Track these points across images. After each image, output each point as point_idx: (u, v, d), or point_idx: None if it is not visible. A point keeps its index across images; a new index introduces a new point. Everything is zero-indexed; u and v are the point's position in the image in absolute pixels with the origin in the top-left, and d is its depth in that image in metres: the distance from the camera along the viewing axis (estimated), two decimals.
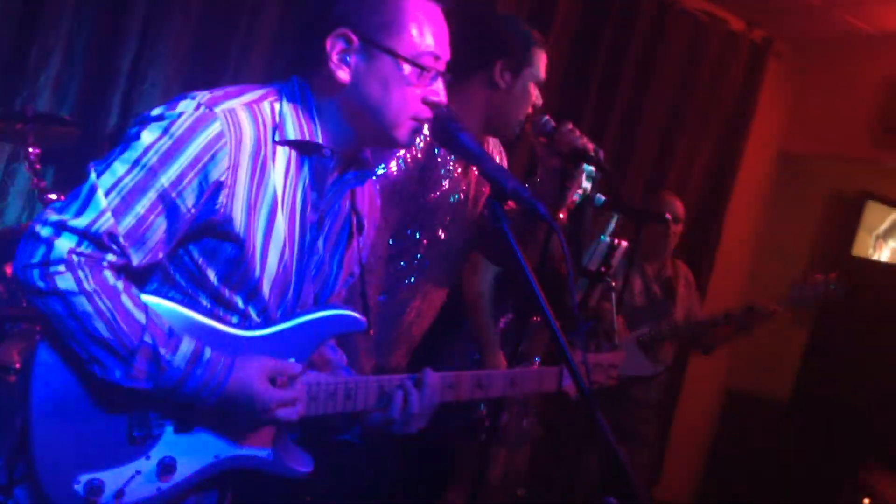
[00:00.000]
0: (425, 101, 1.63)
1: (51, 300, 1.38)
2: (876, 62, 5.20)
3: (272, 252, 1.59)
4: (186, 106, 1.48)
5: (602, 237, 2.97)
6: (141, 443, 1.52)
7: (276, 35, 3.77)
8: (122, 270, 1.46)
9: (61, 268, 1.38)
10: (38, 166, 3.00)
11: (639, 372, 4.05)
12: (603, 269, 2.72)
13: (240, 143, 1.50)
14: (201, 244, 1.54)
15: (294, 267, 1.65)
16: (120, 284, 1.43)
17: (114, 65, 3.44)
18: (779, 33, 5.38)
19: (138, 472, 1.52)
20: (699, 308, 4.31)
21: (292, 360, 1.64)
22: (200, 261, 1.55)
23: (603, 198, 2.64)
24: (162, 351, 1.44)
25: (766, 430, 5.51)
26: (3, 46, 3.26)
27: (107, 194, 1.41)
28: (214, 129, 1.47)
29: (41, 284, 1.38)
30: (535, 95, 2.47)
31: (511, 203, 1.66)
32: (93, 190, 1.41)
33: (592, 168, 2.45)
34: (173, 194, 1.45)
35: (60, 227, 1.39)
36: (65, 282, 1.38)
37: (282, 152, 1.58)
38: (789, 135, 5.77)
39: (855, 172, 5.81)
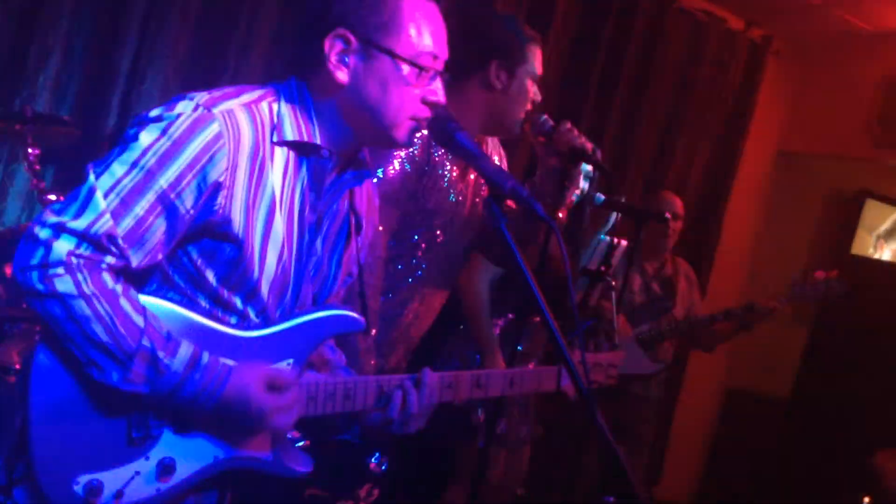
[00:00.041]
0: (424, 101, 1.63)
1: (49, 302, 1.38)
2: (875, 61, 5.20)
3: (271, 253, 1.59)
4: (184, 107, 1.48)
5: (602, 236, 2.97)
6: (140, 443, 1.52)
7: (275, 35, 3.77)
8: (121, 272, 1.46)
9: (60, 270, 1.37)
10: (37, 167, 3.00)
11: (639, 370, 4.06)
12: (603, 268, 2.73)
13: (238, 144, 1.50)
14: (200, 245, 1.54)
15: (292, 267, 1.65)
16: (119, 287, 1.43)
17: (113, 65, 3.44)
18: (778, 32, 5.38)
19: (137, 473, 1.52)
20: (700, 305, 4.31)
21: (291, 360, 1.64)
22: (199, 262, 1.55)
23: (602, 197, 2.64)
24: (160, 354, 1.44)
25: (767, 429, 5.51)
26: (2, 47, 3.26)
27: (105, 196, 1.41)
28: (213, 130, 1.47)
29: (40, 287, 1.38)
30: (534, 91, 2.46)
31: (511, 203, 1.66)
32: (91, 191, 1.41)
33: (589, 168, 2.45)
34: (172, 195, 1.45)
35: (59, 229, 1.39)
36: (64, 284, 1.37)
37: (280, 153, 1.58)
38: (788, 134, 5.78)
39: (854, 171, 5.81)
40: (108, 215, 1.40)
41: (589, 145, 2.43)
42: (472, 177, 2.55)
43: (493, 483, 3.29)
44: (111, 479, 1.49)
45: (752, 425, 5.65)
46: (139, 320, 1.43)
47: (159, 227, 1.46)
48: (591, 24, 4.67)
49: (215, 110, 1.48)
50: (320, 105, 1.62)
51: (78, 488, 1.46)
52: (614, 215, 2.80)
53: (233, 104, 1.52)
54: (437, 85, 1.64)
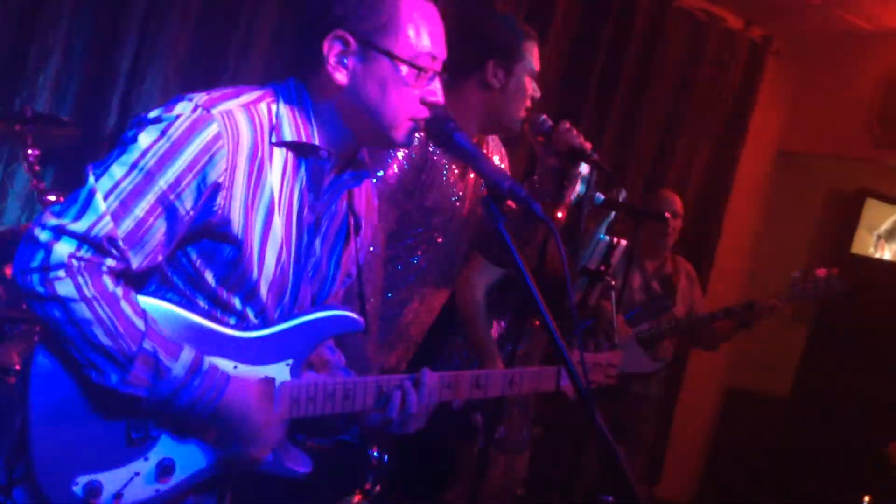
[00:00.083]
0: (423, 102, 1.63)
1: (49, 305, 1.38)
2: (875, 60, 5.20)
3: (269, 253, 1.60)
4: (183, 108, 1.48)
5: (601, 236, 2.97)
6: (139, 444, 1.52)
7: (275, 35, 3.77)
8: (121, 275, 1.46)
9: (61, 273, 1.37)
10: (37, 167, 3.00)
11: (638, 369, 4.06)
12: (602, 267, 2.73)
13: (237, 145, 1.50)
14: (199, 246, 1.54)
15: (291, 268, 1.65)
16: (119, 291, 1.43)
17: (113, 65, 3.44)
18: (777, 32, 5.38)
19: (137, 474, 1.52)
20: (701, 303, 4.31)
21: (290, 360, 1.64)
22: (198, 263, 1.55)
23: (602, 196, 2.64)
24: (162, 357, 1.44)
25: (767, 428, 5.51)
26: (2, 47, 3.26)
27: (105, 198, 1.41)
28: (212, 130, 1.47)
29: (40, 290, 1.37)
30: (533, 88, 2.46)
31: (510, 202, 1.67)
32: (91, 194, 1.41)
33: (586, 171, 2.45)
34: (172, 197, 1.45)
35: (59, 232, 1.39)
36: (64, 287, 1.37)
37: (279, 153, 1.58)
38: (788, 133, 5.78)
39: (854, 171, 5.81)
40: (108, 217, 1.40)
41: (588, 145, 2.43)
42: (471, 176, 2.55)
43: (492, 486, 3.29)
44: (110, 480, 1.49)
45: (752, 425, 5.65)
46: (140, 323, 1.43)
47: (159, 229, 1.46)
48: (590, 23, 4.67)
49: (214, 111, 1.48)
50: (319, 106, 1.62)
51: (77, 489, 1.46)
52: (612, 214, 2.80)
53: (231, 105, 1.52)
54: (436, 85, 1.64)
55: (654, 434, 4.46)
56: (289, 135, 1.58)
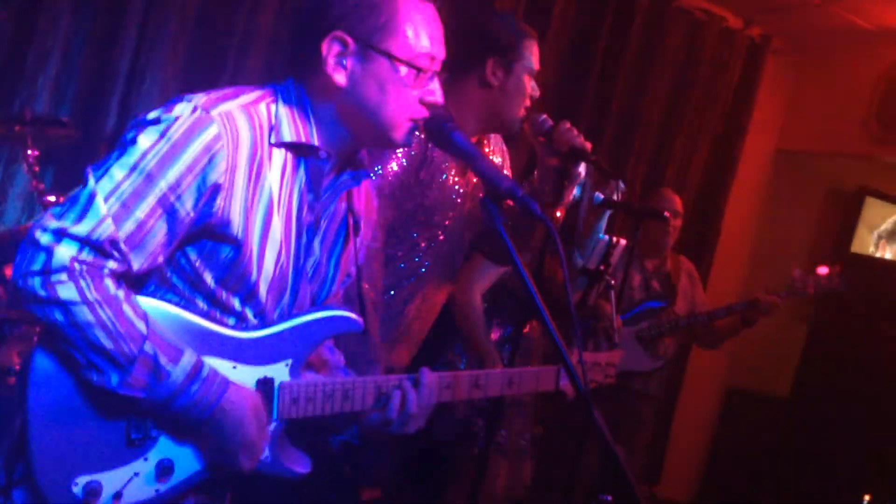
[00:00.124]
0: (422, 102, 1.63)
1: (51, 308, 1.38)
2: (874, 58, 5.20)
3: (269, 254, 1.60)
4: (183, 109, 1.47)
5: (601, 235, 2.97)
6: (139, 444, 1.52)
7: (273, 36, 3.77)
8: (122, 276, 1.46)
9: (63, 276, 1.37)
10: (36, 168, 3.01)
11: (638, 367, 4.07)
12: (602, 267, 2.73)
13: (237, 146, 1.50)
14: (198, 247, 1.54)
15: (291, 268, 1.66)
16: (121, 293, 1.43)
17: (112, 66, 3.45)
18: (776, 30, 5.38)
19: (136, 474, 1.52)
20: (704, 301, 4.32)
21: (289, 361, 1.64)
22: (197, 263, 1.55)
23: (601, 196, 2.64)
24: (162, 361, 1.44)
25: (767, 428, 5.52)
26: (1, 48, 3.27)
27: (106, 200, 1.41)
28: (211, 132, 1.47)
29: (42, 293, 1.37)
30: (532, 87, 2.46)
31: (509, 202, 1.67)
32: (92, 196, 1.41)
33: (582, 175, 2.45)
34: (172, 198, 1.45)
35: (61, 235, 1.38)
36: (67, 291, 1.37)
37: (278, 154, 1.58)
38: (788, 132, 5.78)
39: (853, 169, 5.82)
40: (109, 220, 1.40)
41: (588, 145, 2.44)
42: (472, 175, 2.55)
43: (496, 492, 3.29)
44: (110, 480, 1.50)
45: (752, 425, 5.66)
46: (141, 326, 1.43)
47: (160, 230, 1.46)
48: (589, 23, 4.67)
49: (213, 112, 1.48)
50: (318, 107, 1.62)
51: (77, 489, 1.46)
52: (607, 214, 2.81)
53: (231, 106, 1.52)
54: (435, 85, 1.64)
55: (654, 433, 4.46)
56: (288, 135, 1.58)
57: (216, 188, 1.48)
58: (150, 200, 1.43)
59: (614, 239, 2.79)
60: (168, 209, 1.45)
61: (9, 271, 2.87)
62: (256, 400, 1.58)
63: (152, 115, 1.48)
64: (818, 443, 5.08)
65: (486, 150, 2.62)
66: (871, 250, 5.95)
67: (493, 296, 3.26)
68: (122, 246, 1.42)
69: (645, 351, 4.08)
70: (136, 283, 1.53)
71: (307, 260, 1.70)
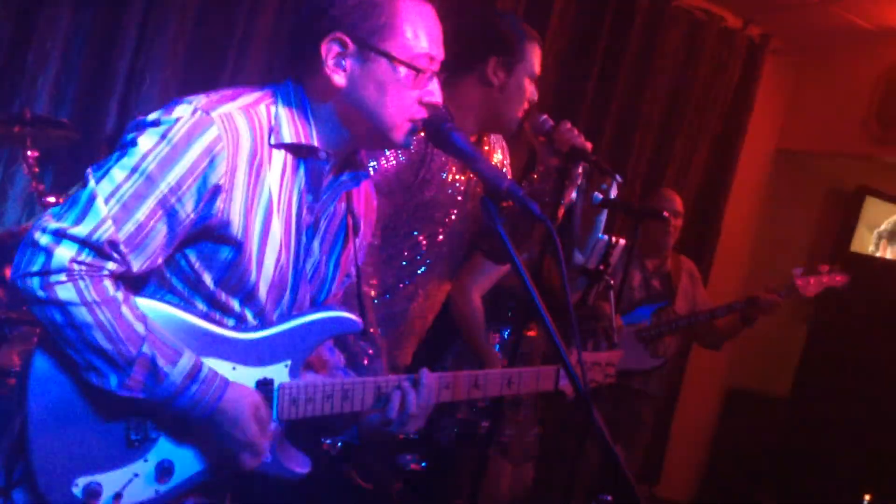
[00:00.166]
0: (421, 103, 1.63)
1: (50, 309, 1.38)
2: (873, 58, 5.20)
3: (269, 255, 1.60)
4: (183, 111, 1.47)
5: (600, 235, 2.98)
6: (138, 445, 1.53)
7: (273, 36, 3.77)
8: (121, 277, 1.46)
9: (62, 277, 1.37)
10: (36, 169, 3.01)
11: (638, 366, 4.07)
12: (601, 267, 2.73)
13: (237, 147, 1.50)
14: (198, 248, 1.54)
15: (290, 269, 1.66)
16: (120, 295, 1.43)
17: (111, 67, 3.45)
18: (776, 30, 5.39)
19: (136, 475, 1.53)
20: (705, 301, 4.32)
21: (289, 362, 1.65)
22: (197, 265, 1.55)
23: (600, 196, 2.64)
24: (161, 363, 1.44)
25: (767, 428, 5.52)
26: (1, 49, 3.27)
27: (106, 201, 1.41)
28: (212, 133, 1.47)
29: (41, 294, 1.37)
30: (531, 91, 2.46)
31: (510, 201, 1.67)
32: (92, 197, 1.41)
33: (580, 178, 2.45)
34: (172, 200, 1.45)
35: (60, 235, 1.38)
36: (66, 292, 1.37)
37: (277, 155, 1.58)
38: (787, 131, 5.78)
39: (853, 168, 5.82)
40: (109, 221, 1.40)
41: (589, 145, 2.44)
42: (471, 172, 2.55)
43: (499, 497, 3.29)
44: (110, 481, 1.50)
45: (752, 424, 5.66)
46: (140, 328, 1.43)
47: (160, 232, 1.46)
48: (589, 22, 4.67)
49: (214, 114, 1.48)
50: (317, 107, 1.62)
51: (77, 490, 1.47)
52: (605, 214, 2.81)
53: (231, 107, 1.52)
54: (434, 86, 1.64)
55: (654, 433, 4.46)
56: (288, 136, 1.58)
57: (216, 190, 1.48)
58: (151, 202, 1.43)
59: (614, 239, 2.79)
60: (168, 211, 1.45)
61: (9, 272, 2.86)
62: (257, 399, 1.58)
63: (152, 116, 1.48)
64: (818, 443, 5.08)
65: (486, 148, 2.62)
66: (870, 249, 5.95)
67: (492, 297, 3.26)
68: (122, 247, 1.42)
69: (645, 350, 4.08)
70: (136, 284, 1.53)
71: (307, 261, 1.71)
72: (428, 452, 2.73)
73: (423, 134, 1.72)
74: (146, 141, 1.45)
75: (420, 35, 1.59)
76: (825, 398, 5.14)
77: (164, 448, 1.55)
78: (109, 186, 1.41)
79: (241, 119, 1.52)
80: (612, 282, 2.72)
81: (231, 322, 1.61)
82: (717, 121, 5.33)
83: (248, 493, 1.82)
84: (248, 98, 1.57)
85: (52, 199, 2.99)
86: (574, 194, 2.48)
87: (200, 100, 1.50)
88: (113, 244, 1.41)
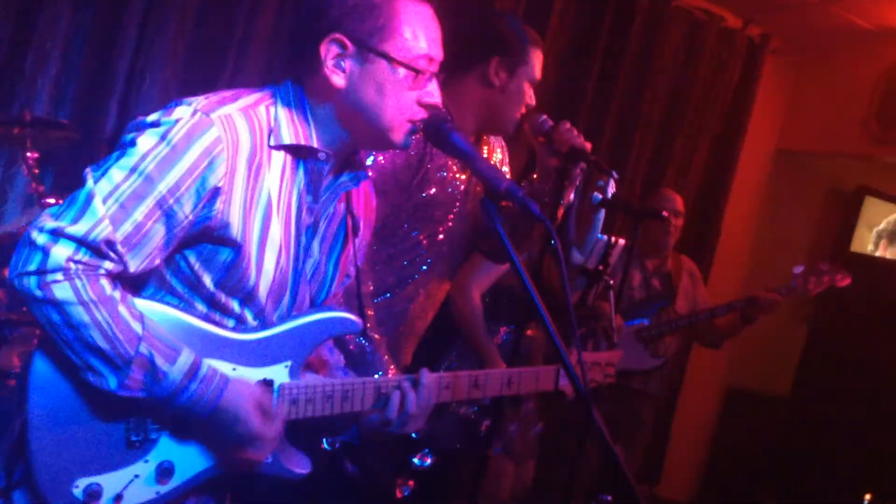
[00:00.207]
0: (420, 103, 1.63)
1: (47, 308, 1.38)
2: (873, 58, 5.20)
3: (268, 256, 1.60)
4: (183, 112, 1.48)
5: (599, 235, 2.98)
6: (139, 447, 1.53)
7: (273, 37, 3.77)
8: (119, 278, 1.46)
9: (59, 276, 1.37)
10: (36, 170, 3.01)
11: (639, 365, 4.07)
12: (601, 267, 2.73)
13: (236, 149, 1.51)
14: (198, 249, 1.54)
15: (290, 270, 1.66)
16: (117, 294, 1.43)
17: (111, 68, 3.45)
18: (776, 30, 5.39)
19: (137, 476, 1.53)
20: (706, 300, 4.32)
21: (289, 362, 1.65)
22: (197, 266, 1.55)
23: (600, 196, 2.65)
24: (159, 362, 1.44)
25: (767, 427, 5.52)
26: (0, 49, 3.27)
27: (104, 201, 1.41)
28: (211, 135, 1.47)
29: (38, 293, 1.37)
30: (529, 96, 2.46)
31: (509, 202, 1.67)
32: (90, 197, 1.41)
33: (578, 180, 2.46)
34: (171, 201, 1.45)
35: (57, 235, 1.38)
36: (62, 291, 1.37)
37: (277, 156, 1.59)
38: (787, 131, 5.78)
39: (853, 168, 5.82)
40: (106, 221, 1.40)
41: (588, 145, 2.44)
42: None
43: (502, 495, 3.30)
44: (110, 483, 1.50)
45: (752, 423, 5.66)
46: (137, 327, 1.43)
47: (158, 233, 1.46)
48: (589, 22, 4.67)
49: (213, 115, 1.49)
50: (317, 108, 1.62)
51: (77, 491, 1.47)
52: (602, 213, 2.81)
53: (230, 109, 1.52)
54: (433, 87, 1.65)
55: (654, 430, 4.46)
56: (287, 138, 1.58)
57: (215, 191, 1.49)
58: (149, 203, 1.43)
59: (613, 238, 2.79)
60: (166, 212, 1.45)
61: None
62: (258, 392, 1.57)
63: (152, 117, 1.48)
64: (818, 442, 5.08)
65: (485, 148, 2.62)
66: (869, 248, 5.96)
67: (492, 297, 3.26)
68: (119, 247, 1.42)
69: (645, 350, 4.08)
70: (136, 285, 1.53)
71: (306, 261, 1.71)
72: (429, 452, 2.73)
73: (421, 134, 1.72)
74: (145, 141, 1.45)
75: (419, 36, 1.59)
76: (825, 398, 5.14)
77: (164, 449, 1.55)
78: (108, 186, 1.41)
79: (241, 120, 1.52)
80: (611, 282, 2.72)
81: (231, 323, 1.61)
82: (717, 121, 5.33)
83: (248, 493, 1.83)
84: (248, 99, 1.57)
85: (52, 201, 2.99)
86: (572, 194, 2.49)
87: (200, 101, 1.50)
88: (110, 244, 1.41)
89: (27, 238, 1.39)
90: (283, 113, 1.59)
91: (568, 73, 4.65)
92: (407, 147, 1.71)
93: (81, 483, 1.47)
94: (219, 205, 1.50)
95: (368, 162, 2.24)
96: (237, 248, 1.54)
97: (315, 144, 1.62)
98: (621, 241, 3.37)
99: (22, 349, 2.87)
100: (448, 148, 1.71)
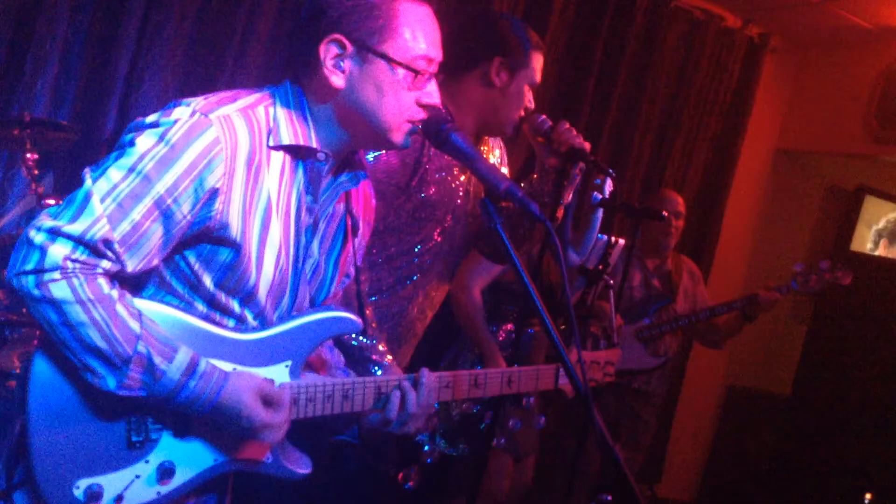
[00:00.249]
0: (419, 104, 1.63)
1: (45, 308, 1.38)
2: (873, 57, 5.20)
3: (268, 257, 1.60)
4: (181, 112, 1.48)
5: (599, 235, 2.98)
6: (140, 447, 1.53)
7: (272, 38, 3.77)
8: (117, 277, 1.46)
9: (56, 275, 1.37)
10: (35, 171, 3.01)
11: (639, 365, 4.07)
12: (600, 267, 2.73)
13: (235, 150, 1.51)
14: (197, 250, 1.54)
15: (290, 270, 1.66)
16: (115, 293, 1.43)
17: (110, 69, 3.45)
18: (775, 29, 5.39)
19: (137, 477, 1.53)
20: (707, 299, 4.32)
21: (289, 362, 1.65)
22: (196, 266, 1.55)
23: (600, 196, 2.65)
24: (157, 360, 1.44)
25: (768, 426, 5.52)
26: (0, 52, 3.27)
27: (102, 200, 1.41)
28: (210, 135, 1.47)
29: (36, 292, 1.38)
30: (529, 98, 2.47)
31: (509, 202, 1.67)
32: (88, 196, 1.41)
33: (577, 180, 2.46)
34: (169, 201, 1.45)
35: (55, 234, 1.38)
36: (59, 290, 1.37)
37: (276, 157, 1.59)
38: (787, 131, 5.78)
39: (853, 168, 5.82)
40: (104, 220, 1.40)
41: (587, 145, 2.44)
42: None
43: (499, 496, 3.30)
44: (111, 483, 1.50)
45: (752, 422, 5.66)
46: (135, 326, 1.43)
47: (155, 233, 1.46)
48: (588, 22, 4.68)
49: (212, 116, 1.49)
50: (316, 109, 1.62)
51: (78, 492, 1.47)
52: (600, 212, 2.81)
53: (229, 109, 1.52)
54: (433, 87, 1.65)
55: (655, 430, 4.46)
56: (286, 138, 1.58)
57: (214, 192, 1.49)
58: (147, 202, 1.43)
59: (613, 238, 2.79)
60: (164, 212, 1.45)
61: None
62: (257, 383, 1.56)
63: (151, 118, 1.48)
64: (818, 442, 5.08)
65: (485, 148, 2.62)
66: (868, 247, 5.96)
67: (493, 297, 3.27)
68: (116, 246, 1.42)
69: (646, 349, 4.08)
70: (136, 285, 1.53)
71: (306, 261, 1.71)
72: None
73: (418, 135, 1.72)
74: (144, 142, 1.45)
75: (418, 36, 1.59)
76: (825, 398, 5.14)
77: (165, 449, 1.55)
78: (106, 186, 1.42)
79: (240, 121, 1.52)
80: (611, 282, 2.72)
81: (231, 323, 1.61)
82: (717, 121, 5.33)
83: (248, 493, 1.83)
84: (247, 100, 1.57)
85: (51, 202, 2.99)
86: (571, 194, 2.49)
87: (199, 102, 1.51)
88: (107, 243, 1.41)
89: (25, 237, 1.39)
90: (282, 113, 1.59)
91: (568, 73, 4.65)
92: (406, 147, 1.71)
93: (82, 484, 1.47)
94: (218, 205, 1.50)
95: (369, 158, 2.24)
96: (237, 248, 1.55)
97: (314, 145, 1.62)
98: (621, 241, 3.37)
99: (22, 350, 2.87)
100: (448, 148, 1.72)
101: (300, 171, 1.63)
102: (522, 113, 2.47)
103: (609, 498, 2.85)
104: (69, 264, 1.38)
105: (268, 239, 1.59)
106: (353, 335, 2.18)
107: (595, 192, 2.58)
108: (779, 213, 5.83)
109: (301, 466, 1.73)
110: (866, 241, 5.95)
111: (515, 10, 4.35)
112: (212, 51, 3.64)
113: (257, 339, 1.62)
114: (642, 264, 4.22)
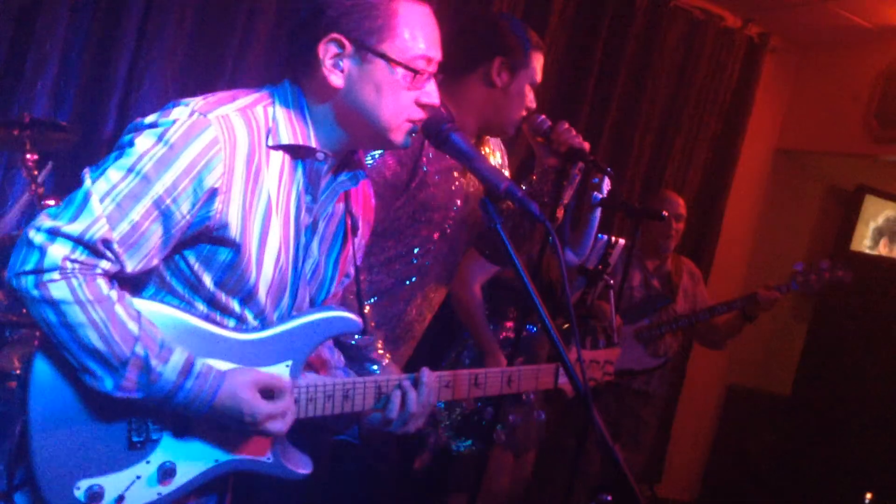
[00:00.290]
0: (418, 104, 1.63)
1: (43, 308, 1.38)
2: (873, 56, 5.20)
3: (268, 257, 1.60)
4: (180, 113, 1.48)
5: (599, 235, 2.98)
6: (140, 448, 1.53)
7: (272, 38, 3.77)
8: (117, 278, 1.46)
9: (55, 275, 1.37)
10: (35, 172, 3.01)
11: (639, 365, 4.07)
12: (600, 267, 2.74)
13: (234, 149, 1.51)
14: (197, 250, 1.54)
15: (290, 270, 1.66)
16: (114, 294, 1.43)
17: (110, 70, 3.45)
18: (775, 29, 5.39)
19: (138, 477, 1.53)
20: (707, 299, 4.32)
21: (289, 362, 1.65)
22: (196, 266, 1.55)
23: (600, 196, 2.65)
24: (153, 362, 1.44)
25: (768, 426, 5.52)
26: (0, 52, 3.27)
27: (101, 200, 1.41)
28: (209, 135, 1.47)
29: (35, 293, 1.38)
30: (530, 98, 2.47)
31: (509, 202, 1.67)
32: (87, 196, 1.41)
33: (576, 180, 2.46)
34: (168, 201, 1.45)
35: (54, 234, 1.39)
36: (59, 290, 1.38)
37: (275, 156, 1.59)
38: (787, 131, 5.78)
39: (853, 167, 5.82)
40: (103, 220, 1.40)
41: (587, 145, 2.44)
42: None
43: (499, 492, 3.30)
44: (112, 484, 1.50)
45: (753, 422, 5.66)
46: (134, 327, 1.43)
47: (155, 233, 1.46)
48: (587, 22, 4.68)
49: (211, 116, 1.49)
50: (315, 109, 1.62)
51: (79, 493, 1.47)
52: (598, 212, 2.82)
53: (228, 109, 1.52)
54: (432, 87, 1.65)
55: (656, 430, 4.46)
56: (286, 138, 1.58)
57: (213, 192, 1.49)
58: (146, 202, 1.43)
59: (613, 238, 2.80)
60: (164, 212, 1.45)
61: None
62: (254, 377, 1.56)
63: (150, 118, 1.48)
64: (818, 441, 5.08)
65: (485, 149, 2.62)
66: (866, 244, 5.96)
67: (493, 295, 3.27)
68: (116, 246, 1.42)
69: (646, 350, 4.08)
70: (136, 286, 1.53)
71: (306, 261, 1.71)
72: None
73: (417, 136, 1.72)
74: (143, 142, 1.45)
75: (417, 36, 1.59)
76: (825, 397, 5.14)
77: (166, 449, 1.55)
78: (105, 186, 1.42)
79: (239, 121, 1.53)
80: (611, 282, 2.73)
81: (231, 323, 1.61)
82: (717, 120, 5.33)
83: (248, 494, 1.83)
84: (246, 100, 1.57)
85: (51, 202, 2.99)
86: (571, 194, 2.49)
87: (198, 102, 1.51)
88: (106, 243, 1.41)
89: (25, 237, 1.40)
90: (281, 113, 1.59)
91: (568, 73, 4.65)
92: (406, 147, 1.71)
93: (83, 485, 1.47)
94: (217, 205, 1.50)
95: (369, 160, 2.24)
96: (236, 248, 1.55)
97: (313, 144, 1.62)
98: (621, 242, 3.38)
99: (23, 351, 2.87)
100: (448, 148, 1.72)
101: (299, 171, 1.63)
102: (524, 113, 2.47)
103: (609, 498, 2.85)
104: (68, 264, 1.38)
105: (267, 239, 1.59)
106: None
107: (594, 192, 2.58)
108: (779, 212, 5.83)
109: (301, 466, 1.73)
110: (866, 240, 5.95)
111: (515, 10, 4.35)
112: (212, 51, 3.64)
113: (258, 339, 1.62)
114: (642, 265, 4.22)
